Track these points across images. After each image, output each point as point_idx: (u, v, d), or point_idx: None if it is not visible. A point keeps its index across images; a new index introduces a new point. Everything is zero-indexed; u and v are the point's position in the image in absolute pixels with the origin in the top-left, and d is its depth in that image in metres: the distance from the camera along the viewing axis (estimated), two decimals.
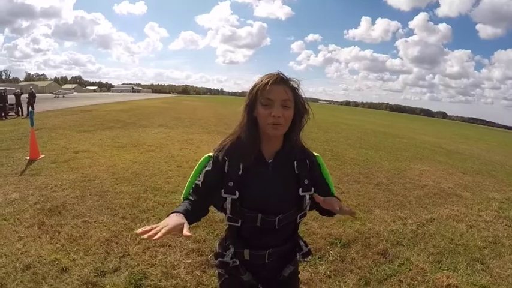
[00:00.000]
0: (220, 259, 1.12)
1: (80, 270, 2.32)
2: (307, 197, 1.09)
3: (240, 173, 1.05)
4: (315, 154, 1.19)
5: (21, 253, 2.50)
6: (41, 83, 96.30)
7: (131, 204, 3.67)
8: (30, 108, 12.40)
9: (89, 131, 9.19)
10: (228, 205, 1.05)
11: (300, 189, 1.08)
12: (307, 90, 1.14)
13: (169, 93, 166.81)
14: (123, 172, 5.03)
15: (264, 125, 1.03)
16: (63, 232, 2.90)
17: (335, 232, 3.27)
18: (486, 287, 2.56)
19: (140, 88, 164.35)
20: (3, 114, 12.68)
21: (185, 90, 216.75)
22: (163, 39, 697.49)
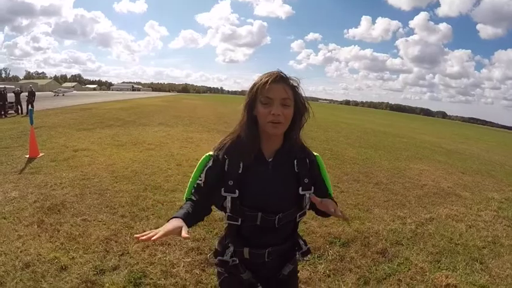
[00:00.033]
0: (219, 258, 1.12)
1: (80, 268, 2.32)
2: (307, 196, 1.09)
3: (240, 171, 1.05)
4: (315, 154, 1.19)
5: (21, 251, 2.50)
6: (40, 81, 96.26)
7: (131, 203, 3.67)
8: (29, 107, 12.37)
9: (89, 130, 9.18)
10: (228, 204, 1.05)
11: (300, 188, 1.08)
12: (307, 89, 1.14)
13: (169, 91, 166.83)
14: (122, 170, 5.03)
15: (263, 124, 1.03)
16: (62, 230, 2.90)
17: (334, 231, 3.27)
18: (485, 287, 2.56)
19: (140, 87, 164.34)
20: (2, 113, 12.68)
21: (185, 88, 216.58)
22: (163, 37, 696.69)
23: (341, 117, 29.26)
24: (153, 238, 0.84)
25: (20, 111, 13.93)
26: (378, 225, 3.65)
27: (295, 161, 1.11)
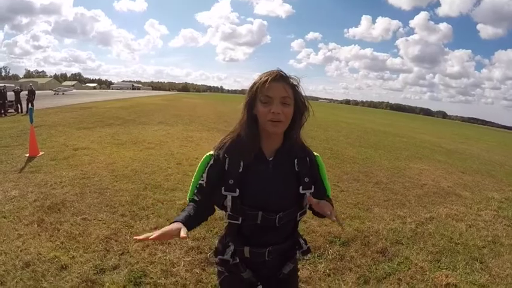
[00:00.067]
0: (220, 257, 1.12)
1: (80, 267, 2.32)
2: (308, 195, 1.09)
3: (240, 170, 1.05)
4: (315, 154, 1.19)
5: (21, 251, 2.50)
6: (40, 80, 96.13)
7: (131, 202, 3.67)
8: (29, 105, 12.36)
9: (89, 128, 9.18)
10: (229, 203, 1.05)
11: (301, 187, 1.08)
12: (307, 89, 1.14)
13: (169, 90, 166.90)
14: (122, 169, 5.03)
15: (263, 122, 1.03)
16: (62, 230, 2.90)
17: (334, 230, 3.27)
18: (485, 286, 2.56)
19: (140, 85, 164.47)
20: (2, 111, 12.67)
21: (185, 87, 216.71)
22: (163, 36, 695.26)
23: (341, 117, 29.25)
24: (151, 237, 0.85)
25: (19, 110, 13.92)
26: (378, 224, 3.65)
27: (296, 160, 1.11)
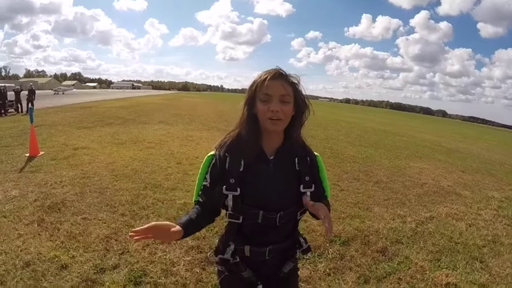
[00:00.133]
0: (220, 256, 1.12)
1: (80, 267, 2.33)
2: (308, 193, 1.09)
3: (241, 169, 1.05)
4: (315, 154, 1.19)
5: (21, 250, 2.50)
6: (40, 80, 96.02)
7: (131, 201, 3.67)
8: (29, 105, 12.37)
9: (89, 128, 9.18)
10: (230, 202, 1.04)
11: (301, 186, 1.08)
12: (307, 88, 1.14)
13: (169, 89, 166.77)
14: (122, 169, 5.03)
15: (263, 121, 1.03)
16: (62, 229, 2.90)
17: (334, 230, 3.27)
18: (485, 286, 2.56)
19: (140, 85, 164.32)
20: (2, 111, 12.66)
21: (185, 86, 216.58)
22: (163, 35, 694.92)
23: (341, 116, 29.24)
24: (144, 227, 0.90)
25: (20, 110, 13.91)
26: (378, 223, 3.65)
27: (296, 159, 1.11)
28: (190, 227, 1.02)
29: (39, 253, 2.46)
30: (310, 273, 2.52)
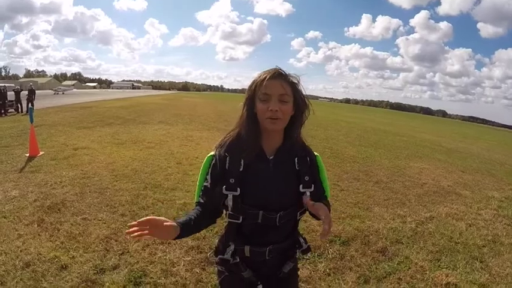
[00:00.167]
0: (220, 256, 1.12)
1: (80, 267, 2.33)
2: (308, 193, 1.09)
3: (241, 169, 1.04)
4: (315, 154, 1.19)
5: (21, 251, 2.50)
6: (40, 80, 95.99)
7: (131, 201, 3.67)
8: (29, 105, 12.37)
9: (89, 128, 9.18)
10: (230, 202, 1.04)
11: (301, 186, 1.08)
12: (307, 88, 1.14)
13: (169, 90, 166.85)
14: (122, 169, 5.03)
15: (262, 120, 1.03)
16: (62, 229, 2.90)
17: (334, 230, 3.27)
18: (485, 286, 2.56)
19: (140, 85, 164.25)
20: (2, 111, 12.67)
21: (185, 87, 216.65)
22: (163, 35, 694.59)
23: (341, 116, 29.24)
24: (140, 220, 0.89)
25: (20, 110, 13.91)
26: (378, 223, 3.65)
27: (296, 159, 1.10)
28: (188, 226, 1.02)
29: (39, 253, 2.46)
30: (310, 273, 2.52)
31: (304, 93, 1.09)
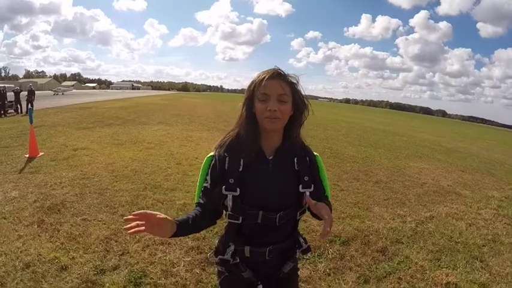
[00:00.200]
0: (220, 256, 1.12)
1: (80, 268, 2.32)
2: (307, 193, 1.09)
3: (240, 169, 1.04)
4: (315, 154, 1.19)
5: (21, 252, 2.50)
6: (40, 80, 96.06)
7: (130, 202, 3.67)
8: (29, 106, 12.36)
9: (88, 129, 9.18)
10: (230, 202, 1.04)
11: (300, 186, 1.08)
12: (307, 88, 1.14)
13: (169, 90, 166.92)
14: (122, 169, 5.02)
15: (261, 120, 1.03)
16: (62, 230, 2.90)
17: (334, 230, 3.27)
18: (485, 285, 2.56)
19: (140, 85, 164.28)
20: (2, 112, 12.66)
21: (185, 87, 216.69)
22: (163, 35, 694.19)
23: (341, 116, 29.25)
24: (135, 213, 0.88)
25: (19, 111, 13.91)
26: (378, 223, 3.65)
27: (296, 159, 1.10)
28: (186, 225, 1.02)
29: (39, 254, 2.46)
30: (310, 273, 2.52)
31: (303, 93, 1.09)
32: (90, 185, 4.19)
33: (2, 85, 14.48)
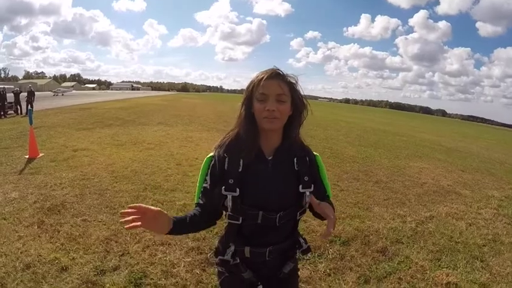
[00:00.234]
0: (220, 257, 1.12)
1: (80, 269, 2.32)
2: (307, 193, 1.09)
3: (240, 170, 1.04)
4: (315, 153, 1.19)
5: (21, 252, 2.50)
6: (40, 81, 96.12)
7: (130, 203, 3.66)
8: (29, 107, 12.36)
9: (88, 129, 9.17)
10: (229, 203, 1.04)
11: (300, 186, 1.08)
12: (306, 88, 1.14)
13: (169, 90, 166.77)
14: (122, 170, 5.02)
15: (260, 120, 1.03)
16: (62, 231, 2.89)
17: (334, 230, 3.26)
18: (485, 285, 2.56)
19: (139, 86, 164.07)
20: (2, 113, 12.67)
21: (184, 87, 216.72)
22: (162, 36, 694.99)
23: (340, 116, 29.25)
24: (131, 205, 0.92)
25: (19, 112, 13.92)
26: (378, 223, 3.65)
27: (295, 159, 1.10)
28: (183, 223, 1.03)
29: (39, 255, 2.46)
30: (310, 273, 2.52)
31: (302, 93, 1.09)
32: (90, 185, 4.19)
33: (2, 86, 14.51)
